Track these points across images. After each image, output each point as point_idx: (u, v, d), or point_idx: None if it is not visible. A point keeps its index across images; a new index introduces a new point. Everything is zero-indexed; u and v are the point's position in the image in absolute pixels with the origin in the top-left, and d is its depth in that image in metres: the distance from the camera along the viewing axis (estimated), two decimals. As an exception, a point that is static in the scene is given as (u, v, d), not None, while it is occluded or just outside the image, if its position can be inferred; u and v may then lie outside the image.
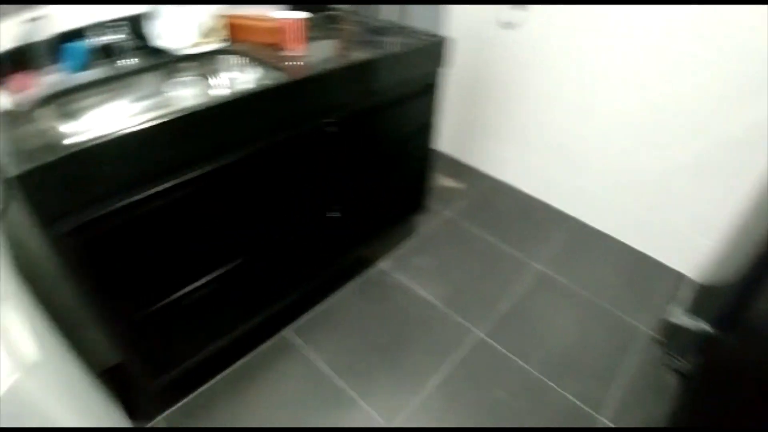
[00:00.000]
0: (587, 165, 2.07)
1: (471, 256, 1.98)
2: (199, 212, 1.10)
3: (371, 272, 1.87)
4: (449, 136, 2.47)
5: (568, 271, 1.92)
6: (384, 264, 1.91)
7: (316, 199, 1.39)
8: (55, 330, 1.01)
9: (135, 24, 1.27)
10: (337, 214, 1.47)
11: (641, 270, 1.96)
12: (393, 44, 1.42)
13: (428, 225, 2.12)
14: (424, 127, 1.63)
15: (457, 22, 2.19)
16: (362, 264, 1.88)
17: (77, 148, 0.84)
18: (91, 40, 1.17)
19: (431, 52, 1.47)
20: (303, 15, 1.28)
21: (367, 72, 1.28)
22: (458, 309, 1.73)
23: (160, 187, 0.99)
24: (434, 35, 1.47)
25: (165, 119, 0.93)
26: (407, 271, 1.88)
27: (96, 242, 0.95)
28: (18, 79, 1.09)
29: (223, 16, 1.34)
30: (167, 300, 1.14)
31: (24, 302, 0.86)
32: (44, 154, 0.83)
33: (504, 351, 1.58)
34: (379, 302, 1.74)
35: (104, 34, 1.19)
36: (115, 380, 1.38)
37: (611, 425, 1.38)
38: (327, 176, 1.37)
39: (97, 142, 0.86)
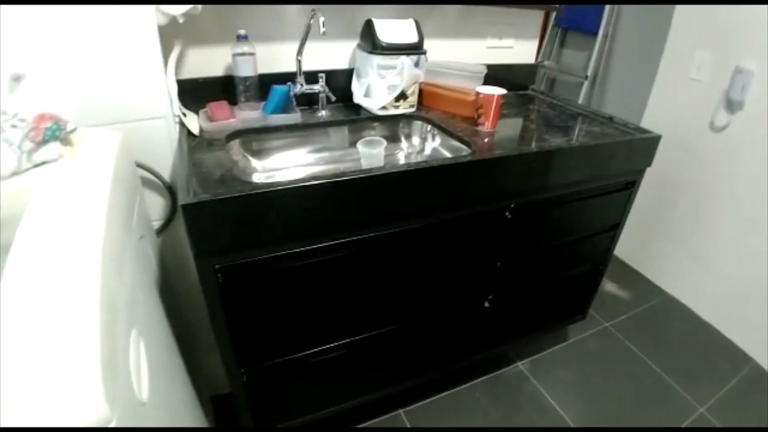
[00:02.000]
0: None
1: (624, 378, 1.60)
2: (354, 275, 1.00)
3: (506, 371, 1.61)
4: (622, 236, 2.12)
5: (735, 424, 1.44)
6: (524, 365, 1.63)
7: (472, 285, 1.22)
8: (176, 351, 0.99)
9: (340, 78, 1.30)
10: (487, 305, 1.28)
11: None
12: (594, 134, 1.23)
13: (581, 333, 1.79)
14: (609, 229, 1.37)
15: (655, 115, 1.90)
16: (499, 360, 1.63)
17: (253, 190, 0.79)
18: (294, 85, 1.21)
19: (639, 148, 1.23)
20: (501, 91, 1.17)
21: (562, 160, 1.10)
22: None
23: (323, 244, 0.92)
24: (644, 130, 1.24)
25: (347, 177, 0.86)
26: (547, 381, 1.58)
27: (247, 283, 0.89)
28: (218, 107, 1.14)
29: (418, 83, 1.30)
30: (296, 355, 1.05)
31: (155, 322, 0.83)
32: (219, 187, 0.81)
33: None
34: (505, 407, 1.47)
35: (307, 82, 1.22)
36: (219, 410, 1.35)
37: None
38: (489, 263, 1.20)
39: (277, 188, 0.81)
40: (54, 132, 0.76)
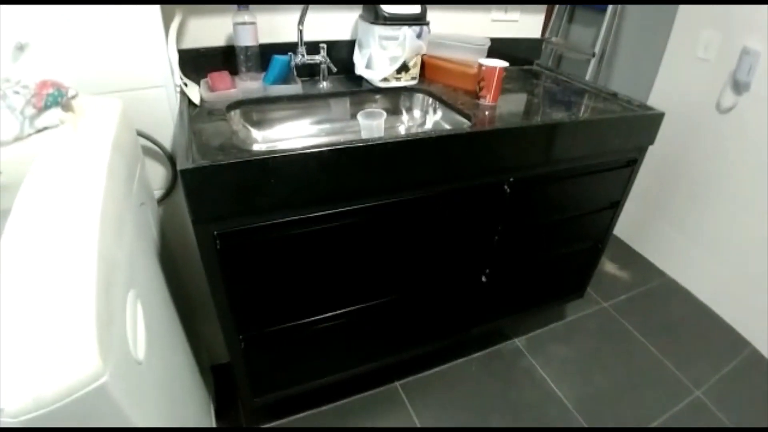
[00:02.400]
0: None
1: (620, 358, 1.61)
2: (353, 244, 1.01)
3: (503, 347, 1.63)
4: (623, 216, 2.11)
5: (731, 409, 1.45)
6: (520, 342, 1.65)
7: (470, 258, 1.23)
8: (176, 318, 1.01)
9: (341, 49, 1.29)
10: (484, 279, 1.29)
11: None
12: (597, 110, 1.21)
13: (579, 311, 1.80)
14: (609, 206, 1.37)
15: (662, 94, 1.87)
16: (496, 335, 1.65)
17: (252, 157, 0.80)
18: (295, 56, 1.20)
19: (642, 125, 1.21)
20: (503, 64, 1.15)
21: (563, 135, 1.09)
22: (588, 415, 1.40)
23: (321, 213, 0.92)
24: (648, 107, 1.22)
25: (345, 146, 0.86)
26: (543, 357, 1.59)
27: (245, 250, 0.90)
28: (219, 77, 1.12)
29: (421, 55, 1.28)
30: (295, 323, 1.06)
31: (155, 287, 0.85)
32: (219, 155, 0.81)
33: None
34: (501, 381, 1.49)
35: (309, 53, 1.21)
36: (219, 379, 1.38)
37: None
38: (487, 238, 1.21)
39: (275, 155, 0.81)
40: (56, 98, 0.77)
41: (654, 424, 1.39)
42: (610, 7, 1.85)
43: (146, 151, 1.06)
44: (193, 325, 1.30)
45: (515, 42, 1.52)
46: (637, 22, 1.89)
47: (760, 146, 1.56)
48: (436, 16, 1.30)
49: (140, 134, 1.04)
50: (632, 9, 1.87)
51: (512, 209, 1.17)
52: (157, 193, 1.14)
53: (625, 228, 2.13)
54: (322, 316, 1.10)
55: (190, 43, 1.14)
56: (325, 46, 1.21)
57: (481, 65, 1.15)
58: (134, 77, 0.96)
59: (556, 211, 1.27)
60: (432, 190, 1.02)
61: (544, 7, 1.52)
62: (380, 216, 0.99)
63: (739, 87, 1.57)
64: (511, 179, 1.10)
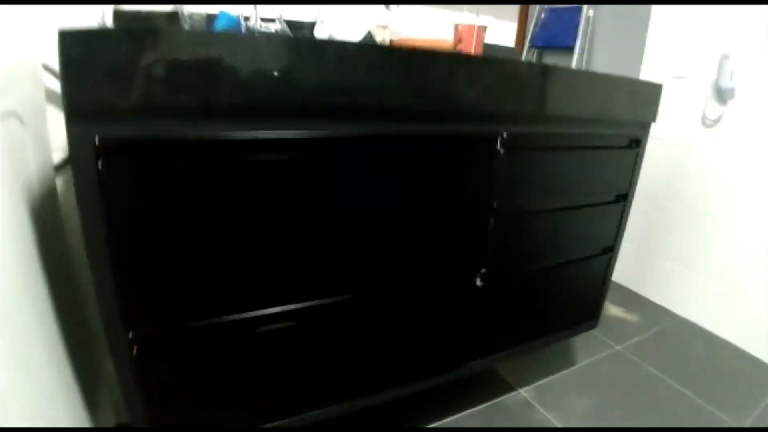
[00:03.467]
0: None
1: (650, 405, 1.27)
2: (299, 194, 0.72)
3: (507, 399, 1.25)
4: (621, 260, 1.90)
5: None
6: (527, 392, 1.28)
7: (460, 245, 0.94)
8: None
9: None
10: (479, 283, 1.00)
11: None
12: (590, 75, 1.06)
13: (590, 356, 1.47)
14: (616, 199, 1.15)
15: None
16: (497, 384, 1.29)
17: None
18: (249, 23, 1.04)
19: (643, 94, 1.06)
20: (482, 23, 1.01)
21: (558, 83, 0.91)
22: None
23: (258, 133, 0.66)
24: (646, 81, 1.09)
25: (303, 39, 0.65)
26: (558, 410, 1.22)
27: (144, 176, 0.62)
28: None
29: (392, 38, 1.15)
30: (221, 319, 0.73)
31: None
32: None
33: None
34: (510, 442, 1.11)
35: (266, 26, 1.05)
36: None
37: None
38: (480, 218, 0.94)
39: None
40: None
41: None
42: (578, 43, 1.85)
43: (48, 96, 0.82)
44: (93, 358, 0.93)
45: (489, 48, 1.42)
46: (606, 56, 1.88)
47: (756, 151, 1.43)
48: (402, 15, 1.19)
49: (46, 68, 0.80)
50: (600, 44, 1.87)
51: (507, 179, 0.93)
52: (57, 156, 0.86)
53: (625, 272, 1.89)
54: (262, 312, 0.76)
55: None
56: (281, 15, 1.06)
57: (457, 26, 1.01)
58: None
59: (558, 193, 1.04)
60: (406, 127, 0.78)
61: (516, 14, 1.47)
62: (339, 153, 0.74)
63: (723, 95, 1.49)
64: (505, 134, 0.88)
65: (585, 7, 1.81)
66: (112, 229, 0.62)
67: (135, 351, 0.69)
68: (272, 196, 0.71)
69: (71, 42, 0.54)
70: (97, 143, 0.58)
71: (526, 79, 0.87)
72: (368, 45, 0.73)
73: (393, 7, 1.12)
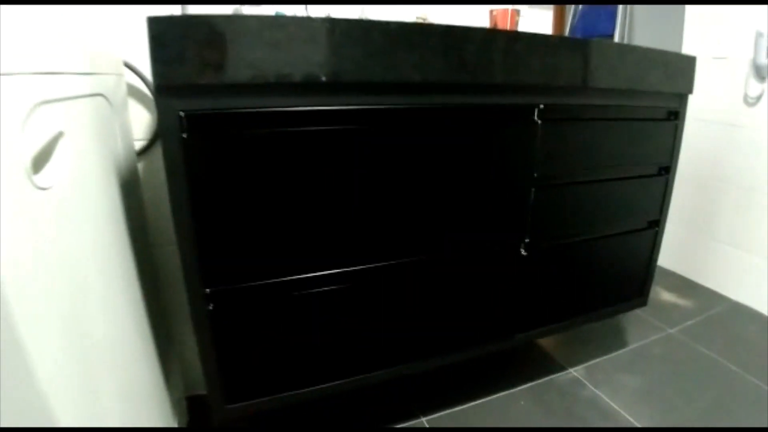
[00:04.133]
0: None
1: (703, 383, 1.23)
2: (352, 161, 0.79)
3: (556, 378, 1.25)
4: (669, 246, 1.86)
5: None
6: (577, 372, 1.28)
7: (503, 214, 0.98)
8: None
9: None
10: (524, 252, 1.02)
11: None
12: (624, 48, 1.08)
13: (641, 339, 1.44)
14: (658, 172, 1.15)
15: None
16: (546, 365, 1.30)
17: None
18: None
19: (675, 64, 1.07)
20: (516, 8, 1.06)
21: (592, 55, 0.94)
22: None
23: (315, 107, 0.73)
24: (679, 53, 1.10)
25: (343, 19, 0.73)
26: (609, 387, 1.21)
27: (218, 141, 0.70)
28: None
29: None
30: (281, 279, 0.80)
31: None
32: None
33: None
34: (561, 417, 1.11)
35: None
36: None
37: None
38: (522, 186, 0.98)
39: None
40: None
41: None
42: (617, 31, 1.86)
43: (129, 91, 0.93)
44: (168, 328, 1.02)
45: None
46: (645, 42, 1.88)
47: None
48: (433, 12, 1.26)
49: (127, 66, 0.92)
50: (640, 30, 1.87)
51: (546, 150, 0.96)
52: (138, 144, 0.97)
53: (675, 258, 1.84)
54: (317, 274, 0.83)
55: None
56: (329, 14, 1.15)
57: (492, 11, 1.07)
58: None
59: (599, 164, 1.06)
60: (451, 98, 0.84)
61: (551, 12, 1.51)
62: (388, 123, 0.80)
63: (761, 72, 1.46)
64: (541, 105, 0.92)
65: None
66: (193, 190, 0.70)
67: (211, 306, 0.77)
68: (331, 165, 0.78)
69: (158, 27, 0.63)
70: (182, 114, 0.67)
71: (560, 52, 0.91)
72: (411, 23, 0.79)
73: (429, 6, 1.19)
